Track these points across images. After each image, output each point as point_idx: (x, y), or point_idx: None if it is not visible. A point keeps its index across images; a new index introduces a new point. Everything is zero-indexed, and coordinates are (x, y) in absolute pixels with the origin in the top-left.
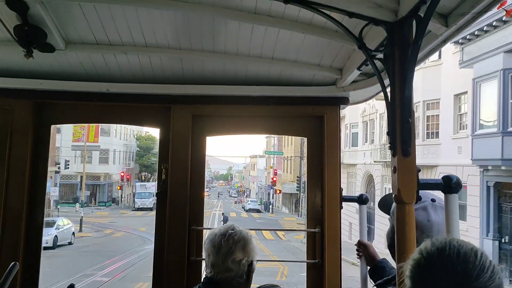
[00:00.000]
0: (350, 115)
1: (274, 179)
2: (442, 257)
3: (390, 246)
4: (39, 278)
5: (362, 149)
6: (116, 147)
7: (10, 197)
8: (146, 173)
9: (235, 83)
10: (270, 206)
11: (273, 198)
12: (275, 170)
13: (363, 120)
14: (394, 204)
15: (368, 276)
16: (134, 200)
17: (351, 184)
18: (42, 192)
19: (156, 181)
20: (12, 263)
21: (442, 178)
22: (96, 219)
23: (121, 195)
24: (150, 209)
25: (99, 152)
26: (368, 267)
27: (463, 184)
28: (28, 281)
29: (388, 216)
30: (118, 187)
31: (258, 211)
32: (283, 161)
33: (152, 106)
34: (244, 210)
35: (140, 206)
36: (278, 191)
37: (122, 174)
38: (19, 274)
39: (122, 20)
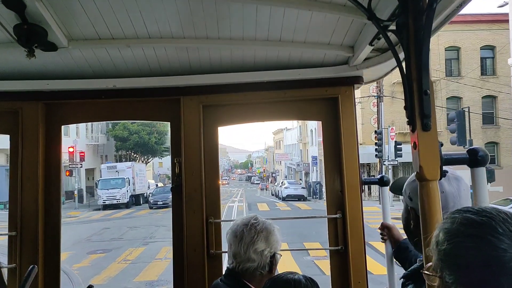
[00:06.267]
0: None
1: None
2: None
3: (405, 228)
4: (60, 280)
5: None
6: None
7: (25, 200)
8: (128, 151)
9: (244, 69)
10: (322, 189)
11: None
12: None
13: None
14: (405, 184)
15: (394, 259)
16: (95, 192)
17: None
18: (57, 193)
19: (128, 162)
20: (31, 266)
21: (467, 151)
22: None
23: (88, 186)
24: (125, 205)
25: None
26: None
27: None
28: (49, 284)
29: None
30: (67, 173)
31: (302, 198)
32: None
33: (161, 100)
34: (278, 198)
35: (106, 202)
36: None
37: (71, 149)
38: (39, 277)
39: (122, 12)
